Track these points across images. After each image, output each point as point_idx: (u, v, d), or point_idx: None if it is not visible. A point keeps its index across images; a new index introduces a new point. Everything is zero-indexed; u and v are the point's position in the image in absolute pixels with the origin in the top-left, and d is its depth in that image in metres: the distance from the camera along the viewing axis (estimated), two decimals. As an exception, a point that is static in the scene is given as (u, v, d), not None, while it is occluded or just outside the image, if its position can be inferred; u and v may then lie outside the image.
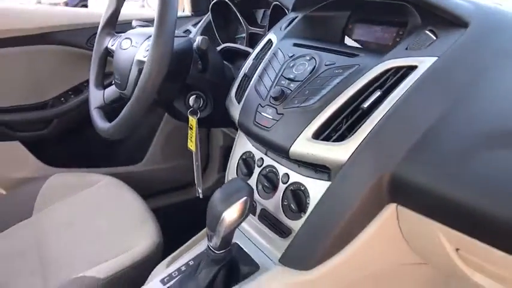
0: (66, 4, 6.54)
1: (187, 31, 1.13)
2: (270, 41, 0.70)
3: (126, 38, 0.79)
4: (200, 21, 1.10)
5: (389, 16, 0.61)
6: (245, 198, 0.52)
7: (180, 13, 1.24)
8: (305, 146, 0.51)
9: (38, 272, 0.72)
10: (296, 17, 0.71)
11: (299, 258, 0.51)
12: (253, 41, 0.96)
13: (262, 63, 0.66)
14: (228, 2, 0.97)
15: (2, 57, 1.01)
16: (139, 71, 0.70)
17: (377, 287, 0.59)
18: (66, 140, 1.15)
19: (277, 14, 0.83)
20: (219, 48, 0.96)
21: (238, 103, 0.66)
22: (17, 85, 1.06)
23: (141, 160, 1.23)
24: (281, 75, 0.60)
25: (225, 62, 0.85)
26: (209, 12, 1.04)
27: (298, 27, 0.69)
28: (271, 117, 0.57)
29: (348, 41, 0.69)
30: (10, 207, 0.93)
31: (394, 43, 0.59)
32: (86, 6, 6.44)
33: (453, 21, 0.49)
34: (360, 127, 0.47)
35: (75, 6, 6.58)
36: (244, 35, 0.98)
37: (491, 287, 0.47)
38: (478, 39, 0.47)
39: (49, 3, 6.32)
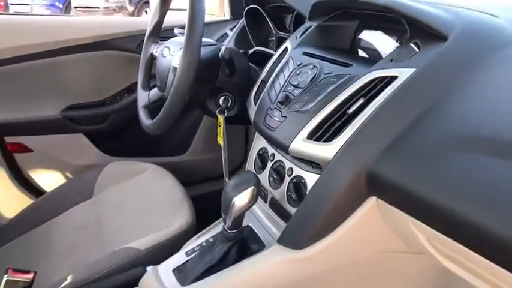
0: (131, 1, 7.00)
1: (225, 34, 1.24)
2: (286, 49, 0.79)
3: (166, 47, 0.92)
4: (237, 25, 1.21)
5: (392, 27, 0.67)
6: (252, 187, 0.62)
7: (221, 17, 1.35)
8: (301, 144, 0.60)
9: (95, 242, 0.88)
10: (310, 27, 0.78)
11: (293, 239, 0.60)
12: (280, 44, 1.04)
13: (276, 70, 0.75)
14: (260, 8, 1.06)
15: (68, 62, 1.20)
16: (174, 77, 0.83)
17: (369, 273, 0.66)
18: (121, 133, 1.33)
19: (300, 20, 0.90)
20: (250, 51, 1.06)
21: (255, 105, 0.75)
22: (80, 86, 1.24)
23: (184, 152, 1.37)
24: (288, 81, 0.69)
25: (251, 64, 0.94)
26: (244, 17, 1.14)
27: (311, 36, 0.77)
28: (277, 119, 0.66)
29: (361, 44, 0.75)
30: (74, 189, 1.11)
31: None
32: (148, 1, 6.86)
33: (435, 34, 0.54)
34: (344, 130, 0.55)
35: (140, 1, 7.03)
36: (273, 38, 1.07)
37: (462, 274, 0.53)
38: (455, 53, 0.52)
39: (115, 5, 6.80)
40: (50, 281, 0.76)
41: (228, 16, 1.32)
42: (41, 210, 1.06)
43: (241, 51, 1.06)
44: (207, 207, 1.11)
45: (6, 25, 1.17)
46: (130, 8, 6.94)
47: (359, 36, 0.75)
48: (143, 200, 1.01)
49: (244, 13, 1.11)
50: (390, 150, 0.51)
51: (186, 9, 0.73)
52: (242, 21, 1.16)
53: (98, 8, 7.05)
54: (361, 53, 0.74)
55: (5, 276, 0.69)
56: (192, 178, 1.33)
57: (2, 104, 1.18)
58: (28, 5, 7.91)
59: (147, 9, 6.86)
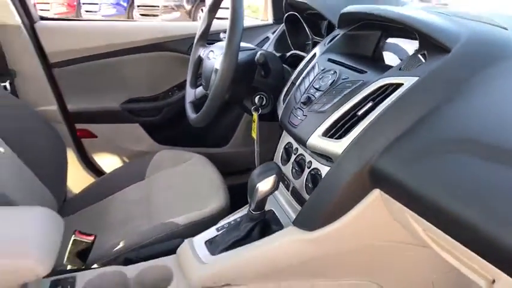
0: (188, 0, 7.29)
1: (267, 38, 1.34)
2: (314, 55, 0.87)
3: (211, 50, 1.04)
4: (278, 29, 1.31)
5: (411, 36, 0.73)
6: (274, 175, 0.72)
7: (264, 22, 1.45)
8: (317, 140, 0.69)
9: (145, 216, 1.02)
10: (338, 35, 0.86)
11: (305, 221, 0.69)
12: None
13: (303, 73, 0.84)
14: (298, 15, 1.15)
15: (129, 61, 1.37)
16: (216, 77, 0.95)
17: (374, 261, 0.74)
18: (172, 125, 1.48)
19: (333, 26, 0.98)
20: (288, 54, 1.15)
21: (283, 104, 0.85)
22: (138, 82, 1.41)
23: (225, 144, 1.49)
24: (312, 85, 0.78)
25: (285, 66, 1.04)
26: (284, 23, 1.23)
27: (338, 43, 0.85)
28: (299, 117, 0.75)
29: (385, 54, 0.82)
30: (130, 171, 1.27)
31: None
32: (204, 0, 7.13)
33: (440, 46, 0.60)
34: (353, 129, 0.63)
35: (195, 2, 7.31)
36: (310, 42, 1.15)
37: (458, 267, 0.58)
38: (456, 64, 0.58)
39: (174, 4, 7.13)
40: (106, 244, 0.91)
41: (271, 21, 1.42)
42: (101, 188, 1.23)
43: (279, 53, 1.16)
44: (242, 196, 1.23)
45: (82, 29, 1.37)
46: (188, 7, 7.24)
47: (386, 41, 0.82)
48: (186, 184, 1.14)
49: (284, 18, 1.20)
50: (391, 148, 0.58)
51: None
52: (282, 26, 1.25)
53: (158, 6, 7.44)
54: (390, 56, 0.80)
55: (73, 236, 0.85)
56: (230, 169, 1.45)
57: (74, 96, 1.38)
58: (97, 4, 8.54)
59: (203, 8, 7.13)
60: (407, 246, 0.74)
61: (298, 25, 1.19)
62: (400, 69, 0.64)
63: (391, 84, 0.62)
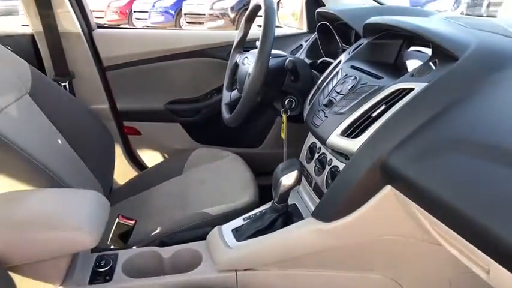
0: (232, 8, 7.51)
1: (300, 45, 1.41)
2: (339, 61, 0.94)
3: (245, 57, 1.13)
4: (310, 37, 1.38)
5: (428, 45, 0.78)
6: (296, 171, 0.79)
7: (299, 30, 1.53)
8: (335, 139, 0.75)
9: (180, 206, 1.12)
10: (362, 43, 0.92)
11: (322, 213, 0.75)
12: (345, 55, 1.18)
13: (328, 79, 0.91)
14: (329, 24, 1.21)
15: (173, 66, 1.49)
16: None
17: (386, 254, 0.78)
18: (209, 125, 1.58)
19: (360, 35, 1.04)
20: (318, 60, 1.22)
21: (308, 106, 0.92)
22: (181, 85, 1.54)
23: (258, 146, 1.58)
24: (334, 89, 0.84)
25: (314, 72, 1.10)
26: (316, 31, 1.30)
27: (362, 51, 0.90)
28: (321, 118, 0.82)
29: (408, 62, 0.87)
30: (169, 167, 1.39)
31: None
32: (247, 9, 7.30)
33: (449, 55, 0.65)
34: (367, 129, 0.69)
35: (240, 9, 7.51)
36: (340, 50, 1.21)
37: (464, 261, 0.62)
38: (462, 71, 0.62)
39: (219, 12, 7.37)
40: (145, 229, 1.02)
41: (305, 29, 1.49)
42: (143, 180, 1.35)
43: (310, 60, 1.23)
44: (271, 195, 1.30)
45: (133, 37, 1.53)
46: (232, 15, 7.46)
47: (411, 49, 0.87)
48: (219, 180, 1.23)
49: (316, 28, 1.27)
50: (400, 147, 0.64)
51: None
52: (315, 35, 1.32)
53: (204, 14, 7.72)
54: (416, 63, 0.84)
55: (116, 219, 0.96)
56: (262, 169, 1.52)
57: (124, 96, 1.53)
58: (147, 12, 9.00)
59: (247, 16, 7.30)
60: (421, 243, 0.78)
61: (329, 34, 1.25)
62: (412, 75, 0.69)
63: (404, 89, 0.68)
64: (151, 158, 1.62)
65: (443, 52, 0.66)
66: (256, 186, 1.18)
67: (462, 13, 5.96)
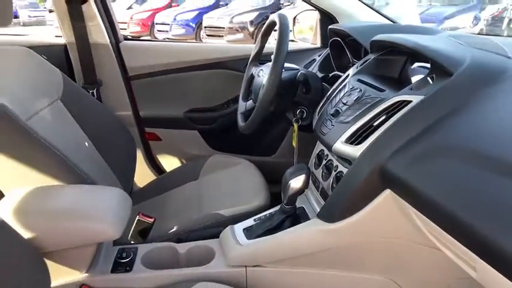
0: (251, 22, 7.67)
1: (314, 60, 1.49)
2: (348, 75, 1.00)
3: (261, 69, 1.21)
4: (323, 52, 1.45)
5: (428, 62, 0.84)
6: (304, 175, 0.86)
7: (313, 45, 1.61)
8: (340, 146, 0.81)
9: (195, 208, 1.19)
10: (369, 59, 0.99)
11: (326, 214, 0.81)
12: (355, 70, 1.25)
13: (336, 91, 0.97)
14: (341, 40, 1.28)
15: (193, 77, 1.59)
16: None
17: (386, 256, 0.83)
18: (225, 133, 1.66)
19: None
20: (330, 74, 1.29)
21: (317, 116, 0.99)
22: (199, 94, 1.63)
23: (272, 154, 1.65)
24: (340, 100, 0.91)
25: (325, 84, 1.17)
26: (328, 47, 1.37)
27: (368, 66, 0.97)
28: (328, 127, 0.89)
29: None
30: (186, 172, 1.46)
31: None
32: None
33: (445, 71, 0.71)
34: (369, 137, 0.75)
35: (259, 23, 7.66)
36: (350, 64, 1.28)
37: (457, 262, 0.67)
38: (456, 86, 0.68)
39: (238, 26, 7.54)
40: (163, 227, 1.09)
41: (319, 44, 1.57)
42: (162, 184, 1.43)
43: (322, 74, 1.30)
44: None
45: (157, 49, 1.63)
46: (251, 29, 7.63)
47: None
48: (233, 185, 1.30)
49: (329, 43, 1.34)
50: (397, 153, 0.70)
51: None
52: (327, 50, 1.39)
53: (224, 27, 7.92)
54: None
55: (137, 217, 1.04)
56: (275, 177, 1.58)
57: (146, 104, 1.63)
58: (168, 24, 9.28)
59: (266, 29, 7.46)
60: (419, 247, 0.83)
61: (341, 49, 1.32)
62: (411, 88, 0.75)
63: (403, 101, 0.74)
64: (169, 162, 1.71)
65: (439, 68, 0.72)
66: (268, 191, 1.24)
67: (481, 30, 5.96)
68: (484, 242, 0.53)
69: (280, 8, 7.84)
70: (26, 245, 0.76)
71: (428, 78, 0.74)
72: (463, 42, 0.82)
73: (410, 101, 0.72)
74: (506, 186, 0.54)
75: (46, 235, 0.80)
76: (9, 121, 0.88)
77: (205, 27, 8.48)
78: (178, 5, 10.55)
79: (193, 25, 8.94)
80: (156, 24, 9.57)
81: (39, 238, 0.78)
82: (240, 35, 7.76)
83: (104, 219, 0.82)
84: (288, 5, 7.88)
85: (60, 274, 0.86)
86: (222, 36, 7.96)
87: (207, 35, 8.44)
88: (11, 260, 0.70)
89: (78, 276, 0.87)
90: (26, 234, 0.76)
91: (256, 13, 7.92)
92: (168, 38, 9.01)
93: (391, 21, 1.47)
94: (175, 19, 9.13)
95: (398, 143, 0.70)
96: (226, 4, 9.52)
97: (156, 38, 9.38)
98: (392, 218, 0.77)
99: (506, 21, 6.15)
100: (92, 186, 0.99)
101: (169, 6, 10.56)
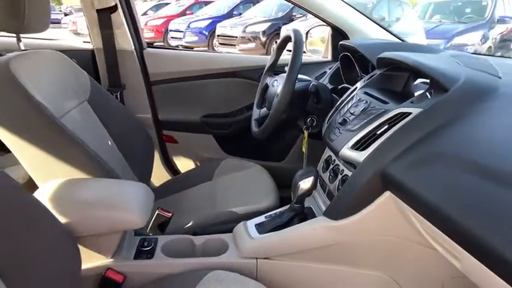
0: (264, 33, 7.81)
1: (325, 72, 1.58)
2: (356, 88, 1.10)
3: (275, 80, 1.31)
4: (333, 66, 1.55)
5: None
6: (312, 177, 0.94)
7: (325, 59, 1.70)
8: (346, 152, 0.90)
9: (209, 206, 1.28)
10: (375, 74, 1.08)
11: (331, 212, 0.90)
12: (363, 83, 1.34)
13: (344, 102, 1.07)
14: (350, 55, 1.38)
15: (210, 84, 1.70)
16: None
17: (386, 254, 0.91)
18: (238, 138, 1.76)
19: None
20: (339, 86, 1.38)
21: (326, 124, 1.08)
22: (215, 101, 1.73)
23: (282, 160, 1.74)
24: (348, 110, 1.00)
25: (335, 96, 1.27)
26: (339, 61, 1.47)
27: (374, 80, 1.06)
28: (336, 134, 0.98)
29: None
30: (201, 173, 1.55)
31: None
32: (278, 33, 7.62)
33: (442, 87, 0.80)
34: (372, 144, 0.84)
35: (271, 33, 7.80)
36: (359, 78, 1.37)
37: (452, 260, 0.74)
38: (451, 101, 0.77)
39: (251, 36, 7.68)
40: (180, 222, 1.18)
41: (329, 58, 1.67)
42: (177, 183, 1.52)
43: (332, 86, 1.40)
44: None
45: (177, 57, 1.75)
46: (263, 39, 7.78)
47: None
48: (245, 187, 1.38)
49: (339, 58, 1.44)
50: (397, 159, 0.78)
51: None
52: (337, 64, 1.49)
53: (236, 37, 8.08)
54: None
55: (156, 211, 1.13)
56: (284, 182, 1.67)
57: (165, 108, 1.73)
58: (182, 31, 9.47)
59: (277, 40, 7.62)
60: (416, 246, 0.91)
61: (350, 63, 1.42)
62: (412, 102, 0.84)
63: (404, 113, 0.83)
64: (184, 164, 1.80)
65: (437, 84, 0.81)
66: (278, 194, 1.33)
67: (490, 48, 6.03)
68: (468, 237, 0.61)
69: (293, 20, 7.99)
70: (62, 229, 0.85)
71: (427, 93, 0.83)
72: (460, 62, 0.91)
73: (410, 113, 0.81)
74: (489, 189, 0.63)
75: (79, 221, 0.89)
76: (45, 118, 0.98)
77: (218, 35, 8.65)
78: (192, 13, 10.76)
79: (207, 33, 9.12)
80: (170, 31, 9.77)
81: (73, 224, 0.87)
82: (252, 45, 7.91)
83: (131, 209, 0.91)
84: (300, 16, 8.01)
85: (88, 258, 0.95)
86: (235, 45, 8.12)
87: (220, 44, 8.60)
88: (50, 242, 0.79)
89: (104, 261, 0.96)
90: (61, 220, 0.86)
91: (269, 24, 8.08)
92: (181, 45, 9.20)
93: (398, 38, 1.56)
94: (189, 26, 9.32)
95: (398, 149, 0.79)
96: (240, 14, 9.71)
97: (169, 44, 9.58)
98: (391, 217, 0.85)
99: (515, 40, 6.25)
100: (118, 180, 1.09)
101: (183, 14, 10.78)
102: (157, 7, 12.30)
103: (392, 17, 8.35)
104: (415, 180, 0.74)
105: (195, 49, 8.40)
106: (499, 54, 6.17)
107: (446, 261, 0.75)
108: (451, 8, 6.83)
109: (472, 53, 1.44)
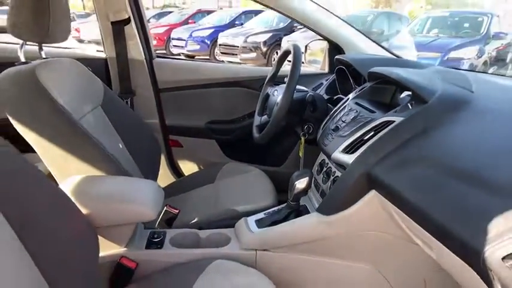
0: (265, 43, 7.95)
1: (321, 84, 1.70)
2: (348, 98, 1.21)
3: (275, 89, 1.43)
4: (330, 77, 1.67)
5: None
6: (307, 178, 1.05)
7: (322, 71, 1.82)
8: (338, 155, 1.01)
9: (212, 205, 1.38)
10: (366, 86, 1.20)
11: (323, 208, 1.01)
12: (356, 94, 1.46)
13: (337, 111, 1.18)
14: (345, 69, 1.50)
15: (214, 92, 1.82)
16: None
17: (374, 247, 1.02)
18: (240, 144, 1.87)
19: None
20: (335, 97, 1.50)
21: (321, 131, 1.19)
22: (219, 108, 1.85)
23: (280, 165, 1.85)
24: (340, 118, 1.11)
25: (330, 105, 1.38)
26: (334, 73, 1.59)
27: (365, 92, 1.18)
28: (329, 140, 1.09)
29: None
30: (204, 176, 1.65)
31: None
32: (279, 44, 7.75)
33: (421, 99, 0.92)
34: (360, 148, 0.95)
35: (272, 44, 7.94)
36: (352, 89, 1.49)
37: (430, 253, 0.84)
38: (429, 111, 0.88)
39: (252, 46, 7.82)
40: (185, 219, 1.29)
41: (326, 70, 1.79)
42: (181, 185, 1.63)
43: (328, 96, 1.51)
44: None
45: (184, 66, 1.87)
46: (264, 49, 7.93)
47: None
48: (246, 188, 1.49)
49: (335, 70, 1.56)
50: (381, 161, 0.89)
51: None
52: (333, 76, 1.61)
53: (238, 46, 8.23)
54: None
55: (165, 207, 1.24)
56: (283, 186, 1.77)
57: (172, 114, 1.85)
58: (184, 40, 9.62)
59: (278, 50, 7.78)
60: (400, 241, 1.01)
61: (345, 76, 1.54)
62: (395, 111, 0.96)
63: (388, 121, 0.94)
64: (188, 167, 1.91)
65: (417, 96, 0.93)
66: (276, 195, 1.43)
67: (485, 62, 6.19)
68: (441, 230, 0.71)
69: (293, 31, 8.16)
70: (84, 219, 0.96)
71: (409, 104, 0.95)
72: (440, 77, 1.03)
73: (393, 121, 0.93)
74: (457, 186, 0.73)
75: (98, 213, 0.99)
76: (66, 120, 1.08)
77: (220, 45, 8.81)
78: (194, 22, 10.94)
79: (208, 42, 9.28)
80: (172, 39, 9.93)
81: (93, 215, 0.98)
82: (253, 54, 8.06)
83: (144, 202, 1.02)
84: (301, 28, 8.19)
85: (104, 247, 1.05)
86: (236, 54, 8.27)
87: (222, 53, 8.76)
88: (75, 230, 0.90)
89: (119, 249, 1.07)
90: (83, 211, 0.96)
91: (270, 34, 8.25)
92: (182, 53, 9.35)
93: (391, 53, 1.68)
94: (191, 35, 9.48)
95: (382, 153, 0.90)
96: (242, 24, 9.89)
97: (171, 52, 9.73)
98: (377, 213, 0.96)
99: (510, 55, 6.43)
100: (131, 177, 1.20)
101: (185, 22, 10.96)
102: (159, 15, 12.50)
103: (392, 30, 8.53)
104: (397, 180, 0.84)
105: (196, 58, 8.55)
106: (494, 67, 6.35)
107: (428, 256, 0.84)
108: (448, 23, 7.04)
109: (465, 69, 1.56)
